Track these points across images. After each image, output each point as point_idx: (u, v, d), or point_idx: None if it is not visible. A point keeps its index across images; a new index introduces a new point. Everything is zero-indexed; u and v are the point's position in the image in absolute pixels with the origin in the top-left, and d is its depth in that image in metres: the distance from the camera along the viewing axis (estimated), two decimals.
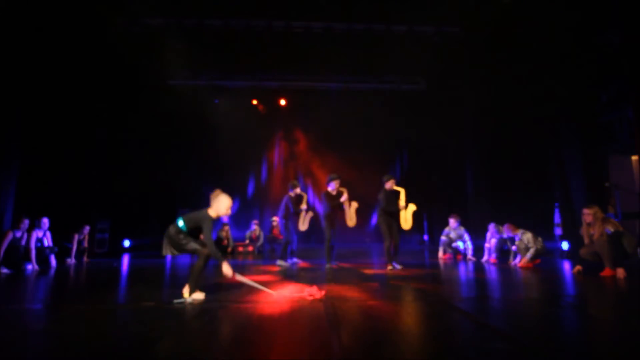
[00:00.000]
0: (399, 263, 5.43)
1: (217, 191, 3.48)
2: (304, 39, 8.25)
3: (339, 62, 9.18)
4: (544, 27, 6.60)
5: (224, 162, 10.92)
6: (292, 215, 6.32)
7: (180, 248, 3.30)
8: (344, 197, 5.79)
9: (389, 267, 5.26)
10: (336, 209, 5.87)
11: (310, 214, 6.53)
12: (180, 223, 3.30)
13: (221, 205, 3.40)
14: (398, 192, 5.61)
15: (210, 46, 8.34)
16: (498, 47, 7.49)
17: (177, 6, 7.43)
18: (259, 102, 10.85)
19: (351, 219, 5.86)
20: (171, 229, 3.29)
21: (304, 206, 6.34)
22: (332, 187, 5.88)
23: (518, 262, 5.56)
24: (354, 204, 5.87)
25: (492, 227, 6.26)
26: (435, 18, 7.74)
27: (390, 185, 5.62)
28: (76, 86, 7.43)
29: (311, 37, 8.22)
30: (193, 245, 3.28)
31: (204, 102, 10.46)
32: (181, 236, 3.27)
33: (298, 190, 6.45)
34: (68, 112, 7.39)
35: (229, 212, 3.55)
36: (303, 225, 6.36)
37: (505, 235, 6.00)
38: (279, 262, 6.03)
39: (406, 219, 5.68)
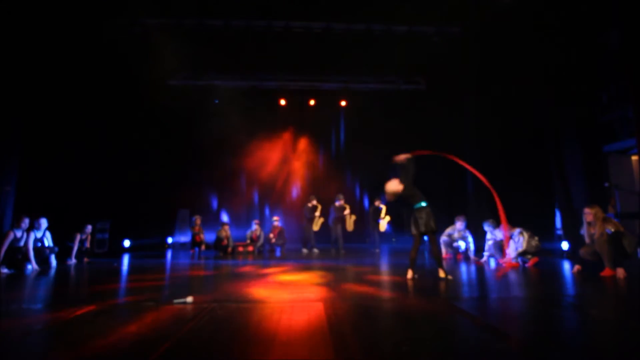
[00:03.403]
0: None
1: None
2: (304, 39, 8.24)
3: (339, 62, 9.19)
4: (544, 27, 6.60)
5: (224, 161, 10.91)
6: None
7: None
8: (346, 211, 8.49)
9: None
10: (340, 217, 8.40)
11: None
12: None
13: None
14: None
15: (210, 46, 8.33)
16: (498, 47, 7.49)
17: (177, 6, 7.42)
18: (261, 102, 10.84)
19: (349, 226, 8.70)
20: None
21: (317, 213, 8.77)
22: (338, 202, 8.41)
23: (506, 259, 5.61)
24: (353, 216, 8.70)
25: (489, 226, 6.29)
26: (435, 18, 7.74)
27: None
28: (76, 86, 7.42)
29: (311, 37, 8.21)
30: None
31: (204, 102, 10.44)
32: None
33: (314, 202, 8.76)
34: (68, 112, 7.39)
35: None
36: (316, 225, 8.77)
37: (499, 237, 6.03)
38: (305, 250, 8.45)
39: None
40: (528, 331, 2.33)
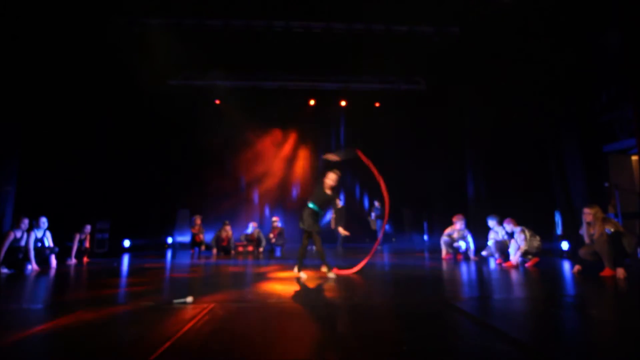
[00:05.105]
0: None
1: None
2: (304, 39, 8.25)
3: (339, 62, 9.19)
4: (544, 27, 6.60)
5: (224, 161, 10.91)
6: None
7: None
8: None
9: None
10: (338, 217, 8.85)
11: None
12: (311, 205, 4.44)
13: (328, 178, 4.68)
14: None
15: (210, 46, 8.33)
16: (498, 47, 7.49)
17: (177, 6, 7.42)
18: (262, 102, 10.84)
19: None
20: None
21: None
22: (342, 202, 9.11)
23: (511, 260, 5.61)
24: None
25: (493, 219, 6.29)
26: (435, 18, 7.74)
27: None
28: (76, 86, 7.42)
29: (311, 37, 8.21)
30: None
31: (204, 102, 10.44)
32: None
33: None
34: (68, 112, 7.39)
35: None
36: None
37: (501, 237, 6.02)
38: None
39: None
40: (528, 331, 2.32)
